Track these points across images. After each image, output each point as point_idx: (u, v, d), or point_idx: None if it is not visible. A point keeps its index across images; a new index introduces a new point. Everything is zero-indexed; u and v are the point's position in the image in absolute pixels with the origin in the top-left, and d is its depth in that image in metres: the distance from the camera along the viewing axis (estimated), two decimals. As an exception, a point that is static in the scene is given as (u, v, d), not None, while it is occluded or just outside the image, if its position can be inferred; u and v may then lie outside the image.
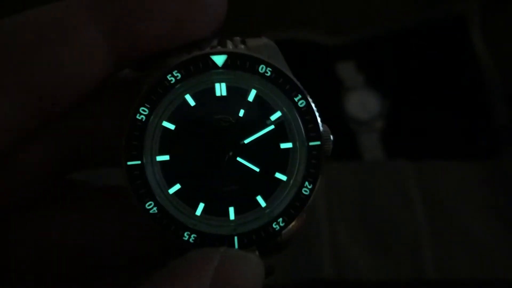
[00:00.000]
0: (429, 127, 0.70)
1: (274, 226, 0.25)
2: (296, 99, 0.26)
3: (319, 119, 0.27)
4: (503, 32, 0.76)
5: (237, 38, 0.27)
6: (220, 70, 0.25)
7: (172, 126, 0.25)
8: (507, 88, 0.71)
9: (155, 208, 0.25)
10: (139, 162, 0.25)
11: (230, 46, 0.26)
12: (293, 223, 0.26)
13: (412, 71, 0.74)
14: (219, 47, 0.26)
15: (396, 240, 0.61)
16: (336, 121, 0.71)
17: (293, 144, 0.26)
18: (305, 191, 0.26)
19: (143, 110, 0.25)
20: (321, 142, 0.26)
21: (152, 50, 0.25)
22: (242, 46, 0.27)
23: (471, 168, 0.66)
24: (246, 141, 0.26)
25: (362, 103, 0.72)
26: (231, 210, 0.26)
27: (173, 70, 0.25)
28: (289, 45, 0.75)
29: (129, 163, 0.24)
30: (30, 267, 0.28)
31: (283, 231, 0.26)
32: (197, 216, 0.25)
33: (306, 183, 0.26)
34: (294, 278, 0.59)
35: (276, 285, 0.58)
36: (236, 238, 0.25)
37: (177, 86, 0.25)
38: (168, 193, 0.25)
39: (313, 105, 0.27)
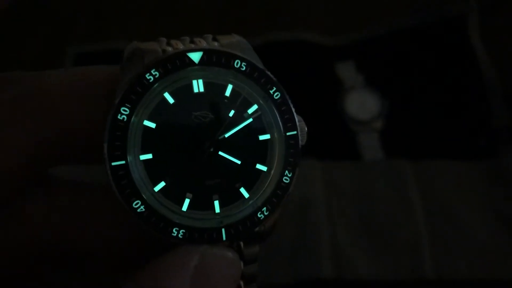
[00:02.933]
0: (428, 127, 0.71)
1: (259, 215, 0.26)
2: (271, 92, 0.27)
3: (293, 110, 0.27)
4: (503, 32, 0.76)
5: (209, 36, 0.27)
6: (197, 67, 0.26)
7: (153, 125, 0.26)
8: (506, 88, 0.71)
9: (142, 207, 0.25)
10: (123, 162, 0.25)
11: (203, 43, 0.27)
12: (276, 213, 0.27)
13: (411, 71, 0.75)
14: (192, 45, 0.27)
15: (396, 240, 0.61)
16: (336, 121, 0.72)
17: (271, 135, 0.27)
18: (286, 180, 0.27)
19: (124, 110, 0.25)
20: (297, 132, 0.27)
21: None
22: (215, 43, 0.27)
23: (471, 168, 0.66)
24: (226, 135, 0.26)
25: (362, 103, 0.72)
26: (216, 203, 0.26)
27: (151, 69, 0.25)
28: (289, 45, 0.75)
29: (113, 163, 0.25)
30: (12, 261, 0.28)
31: (268, 221, 0.26)
32: (183, 211, 0.26)
33: (286, 172, 0.27)
34: (294, 278, 0.59)
35: (276, 285, 0.59)
36: (223, 230, 0.26)
37: (156, 84, 0.25)
38: (153, 191, 0.25)
39: (287, 96, 0.27)
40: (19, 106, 0.26)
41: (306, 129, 0.28)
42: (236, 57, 0.27)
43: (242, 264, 0.27)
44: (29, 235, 0.28)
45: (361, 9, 0.81)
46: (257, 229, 0.26)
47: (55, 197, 0.29)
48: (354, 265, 0.60)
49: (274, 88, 0.27)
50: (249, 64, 0.27)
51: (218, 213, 0.26)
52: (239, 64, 0.27)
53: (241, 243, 0.27)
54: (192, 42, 0.27)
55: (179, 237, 0.25)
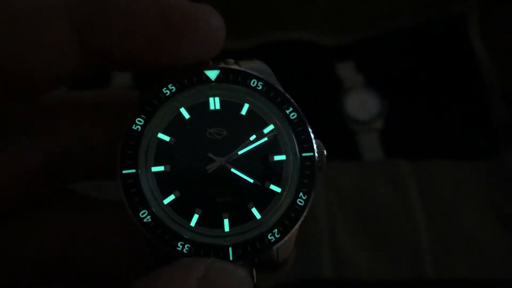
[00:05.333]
0: (428, 127, 0.71)
1: (269, 237, 0.26)
2: (287, 112, 0.27)
3: (311, 131, 0.27)
4: (502, 32, 0.76)
5: (231, 60, 0.28)
6: (214, 84, 0.26)
7: (167, 138, 0.26)
8: (506, 88, 0.71)
9: (149, 217, 0.25)
10: (133, 170, 0.25)
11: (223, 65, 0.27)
12: (288, 236, 0.26)
13: (411, 71, 0.75)
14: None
15: (395, 240, 0.61)
16: (336, 121, 0.72)
17: (286, 156, 0.27)
18: (300, 202, 0.26)
19: (139, 121, 0.25)
20: (314, 154, 0.27)
21: (125, 64, 0.25)
22: (236, 66, 0.28)
23: (471, 168, 0.66)
24: (239, 153, 0.26)
25: (362, 103, 0.72)
26: (226, 221, 0.26)
27: (168, 84, 0.26)
28: (289, 45, 0.75)
29: (124, 171, 0.25)
30: (20, 270, 0.28)
31: (279, 243, 0.26)
32: (191, 226, 0.25)
33: (301, 194, 0.26)
34: (294, 278, 0.59)
35: (276, 285, 0.58)
36: (230, 249, 0.25)
37: (172, 98, 0.26)
38: (163, 203, 0.25)
39: (304, 117, 0.27)
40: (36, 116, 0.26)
41: (325, 152, 0.27)
42: (253, 76, 0.27)
43: None
44: (40, 245, 0.28)
45: (361, 9, 0.81)
46: (269, 254, 0.26)
47: (71, 210, 0.29)
48: (354, 265, 0.60)
49: (291, 109, 0.27)
50: (265, 83, 0.27)
51: (227, 232, 0.26)
52: (255, 83, 0.27)
53: (253, 272, 0.26)
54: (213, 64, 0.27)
55: (183, 252, 0.25)
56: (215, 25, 0.25)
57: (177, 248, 0.25)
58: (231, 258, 0.25)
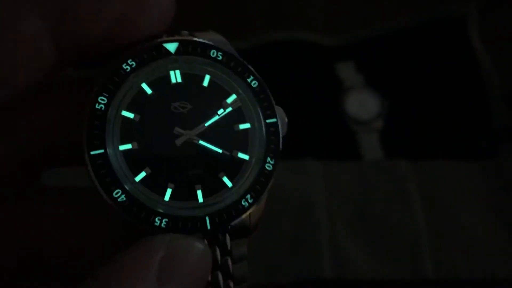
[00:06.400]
0: (428, 127, 0.71)
1: (243, 203, 0.26)
2: (249, 80, 0.27)
3: (272, 98, 0.28)
4: (502, 32, 0.76)
5: (185, 32, 0.27)
6: (173, 57, 0.26)
7: (131, 115, 0.26)
8: (506, 88, 0.71)
9: (123, 196, 0.24)
10: (102, 151, 0.24)
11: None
12: (260, 201, 0.26)
13: (411, 71, 0.75)
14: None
15: (396, 240, 0.61)
16: (336, 121, 0.72)
17: (251, 124, 0.27)
18: (268, 167, 0.27)
19: (102, 100, 0.25)
20: (277, 120, 0.27)
21: (97, 48, 0.24)
22: (191, 37, 0.27)
23: (471, 168, 0.66)
24: (206, 124, 0.26)
25: (362, 103, 0.72)
26: (199, 192, 0.26)
27: (128, 59, 0.25)
28: (289, 45, 0.75)
29: (92, 152, 0.24)
30: None
31: (252, 208, 0.26)
32: (165, 201, 0.25)
33: (268, 158, 0.27)
34: (294, 278, 0.59)
35: (276, 285, 0.58)
36: (207, 218, 0.25)
37: (133, 74, 0.25)
38: (134, 181, 0.25)
39: (265, 84, 0.28)
40: None
41: (286, 119, 0.28)
42: (212, 47, 0.27)
43: (230, 261, 0.26)
44: (11, 237, 0.27)
45: (361, 9, 0.81)
46: (242, 217, 0.26)
47: (39, 201, 0.28)
48: (354, 265, 0.60)
49: (252, 77, 0.27)
50: (224, 53, 0.27)
51: (201, 202, 0.26)
52: (215, 54, 0.27)
53: (227, 238, 0.26)
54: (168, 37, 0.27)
55: (161, 227, 0.24)
56: None
57: (155, 224, 0.24)
58: (208, 227, 0.25)
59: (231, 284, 0.26)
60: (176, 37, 0.26)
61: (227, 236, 0.26)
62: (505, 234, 0.62)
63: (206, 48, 0.27)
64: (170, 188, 0.25)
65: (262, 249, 0.59)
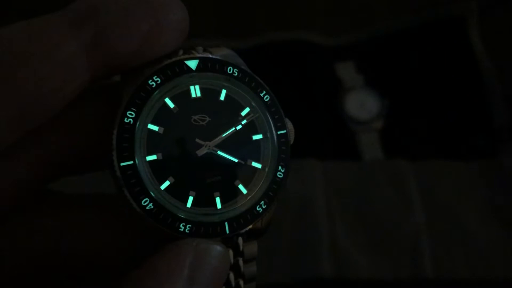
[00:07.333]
0: (428, 127, 0.71)
1: (257, 208, 0.28)
2: (261, 94, 0.29)
3: (282, 111, 0.30)
4: (502, 32, 0.76)
5: (200, 48, 0.29)
6: (194, 73, 0.28)
7: (156, 128, 0.27)
8: (506, 88, 0.71)
9: (151, 204, 0.26)
10: (131, 162, 0.26)
11: (197, 53, 0.29)
12: (273, 206, 0.28)
13: (411, 71, 0.75)
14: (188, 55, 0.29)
15: (395, 239, 0.61)
16: (336, 121, 0.72)
17: (263, 135, 0.29)
18: (280, 175, 0.29)
19: (130, 114, 0.27)
20: (287, 131, 0.30)
21: (124, 65, 0.26)
22: (208, 54, 0.29)
23: (471, 168, 0.66)
24: (223, 136, 0.28)
25: (362, 103, 0.72)
26: (218, 199, 0.28)
27: (154, 76, 0.27)
28: (289, 45, 0.75)
29: (122, 164, 0.26)
30: (9, 276, 0.28)
31: (266, 213, 0.28)
32: (188, 208, 0.27)
33: (279, 167, 0.29)
34: (294, 277, 0.59)
35: (276, 285, 0.59)
36: (226, 223, 0.27)
37: (157, 90, 0.27)
38: (160, 189, 0.27)
39: (275, 99, 0.30)
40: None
41: (293, 129, 0.30)
42: (229, 64, 0.29)
43: (241, 262, 0.28)
44: (33, 246, 0.28)
45: (361, 9, 0.81)
46: (254, 224, 0.28)
47: (58, 210, 0.29)
48: (354, 265, 0.60)
49: (264, 92, 0.29)
50: (240, 70, 0.29)
51: (219, 208, 0.28)
52: (231, 70, 0.29)
53: (240, 241, 0.28)
54: (185, 53, 0.29)
55: (186, 232, 0.26)
56: (181, 11, 0.26)
57: (180, 229, 0.26)
58: (227, 231, 0.27)
59: (242, 283, 0.28)
60: (196, 55, 0.28)
61: (240, 238, 0.28)
62: (505, 234, 0.62)
63: (223, 65, 0.29)
64: (191, 195, 0.27)
65: (262, 249, 0.59)
